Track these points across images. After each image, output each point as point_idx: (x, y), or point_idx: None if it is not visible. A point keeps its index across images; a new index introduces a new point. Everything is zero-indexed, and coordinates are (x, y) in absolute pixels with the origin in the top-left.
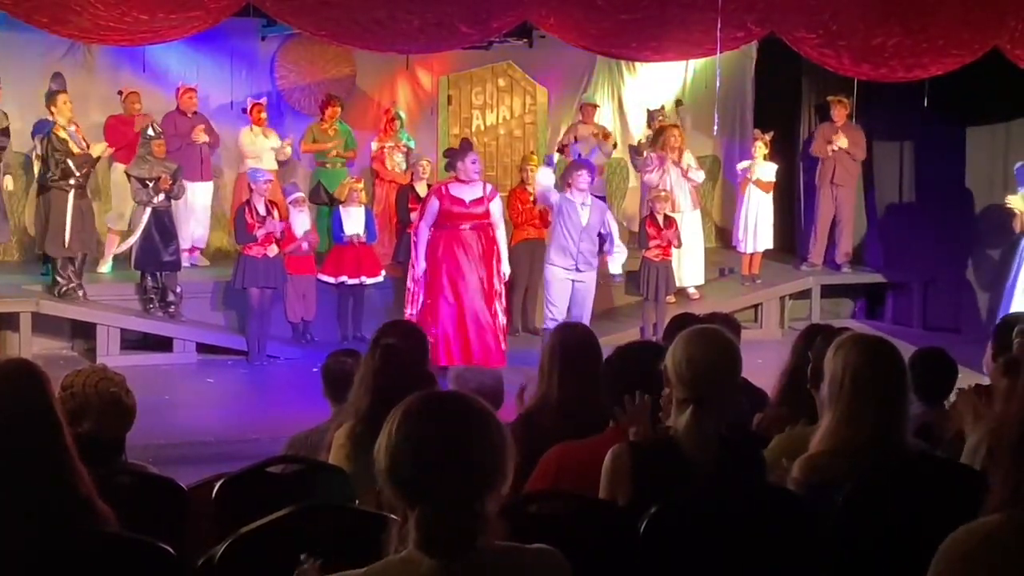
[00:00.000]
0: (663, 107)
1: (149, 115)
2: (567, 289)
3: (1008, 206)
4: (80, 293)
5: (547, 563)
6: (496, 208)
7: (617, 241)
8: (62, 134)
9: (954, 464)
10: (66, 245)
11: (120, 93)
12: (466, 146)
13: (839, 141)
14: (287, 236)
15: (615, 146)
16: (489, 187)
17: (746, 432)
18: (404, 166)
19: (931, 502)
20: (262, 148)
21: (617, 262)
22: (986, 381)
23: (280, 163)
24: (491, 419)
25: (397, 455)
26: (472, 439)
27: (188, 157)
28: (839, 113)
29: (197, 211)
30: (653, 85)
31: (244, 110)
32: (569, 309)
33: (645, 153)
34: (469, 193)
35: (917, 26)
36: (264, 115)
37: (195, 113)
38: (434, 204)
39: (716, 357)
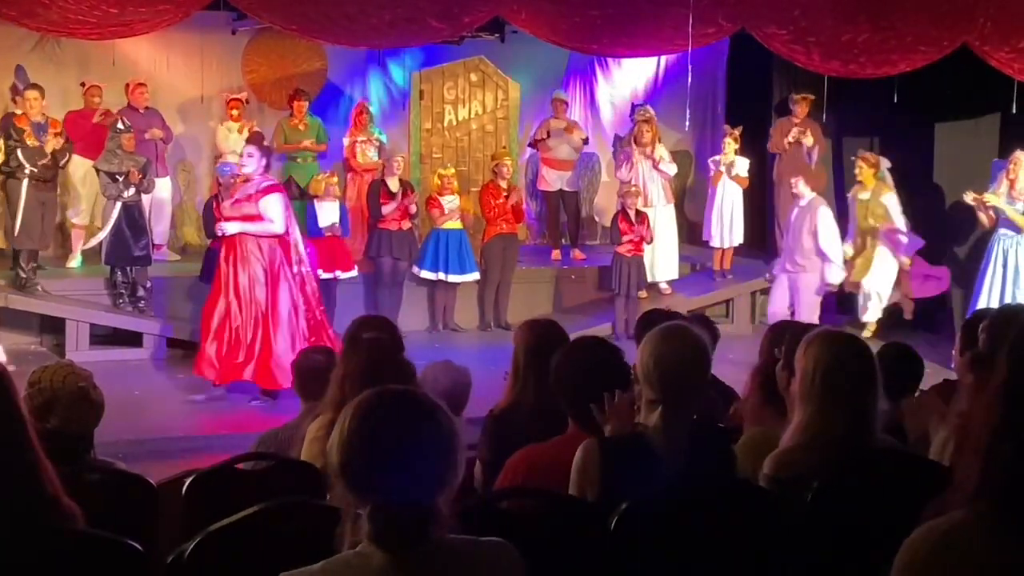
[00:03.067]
0: (645, 103)
1: (115, 111)
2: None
3: (987, 203)
4: (38, 287)
5: (500, 556)
6: (267, 205)
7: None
8: (21, 124)
9: (923, 459)
10: (15, 235)
11: (83, 85)
12: (253, 138)
13: (804, 138)
14: None
15: (585, 140)
16: (264, 183)
17: (716, 428)
18: (376, 157)
19: (900, 497)
20: (236, 143)
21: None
22: (955, 377)
23: None
24: (441, 415)
25: (349, 451)
26: (422, 435)
27: (143, 153)
28: (801, 110)
29: (154, 206)
30: (625, 80)
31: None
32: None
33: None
34: (240, 191)
35: (886, 23)
36: (236, 111)
37: (147, 108)
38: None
39: (684, 356)
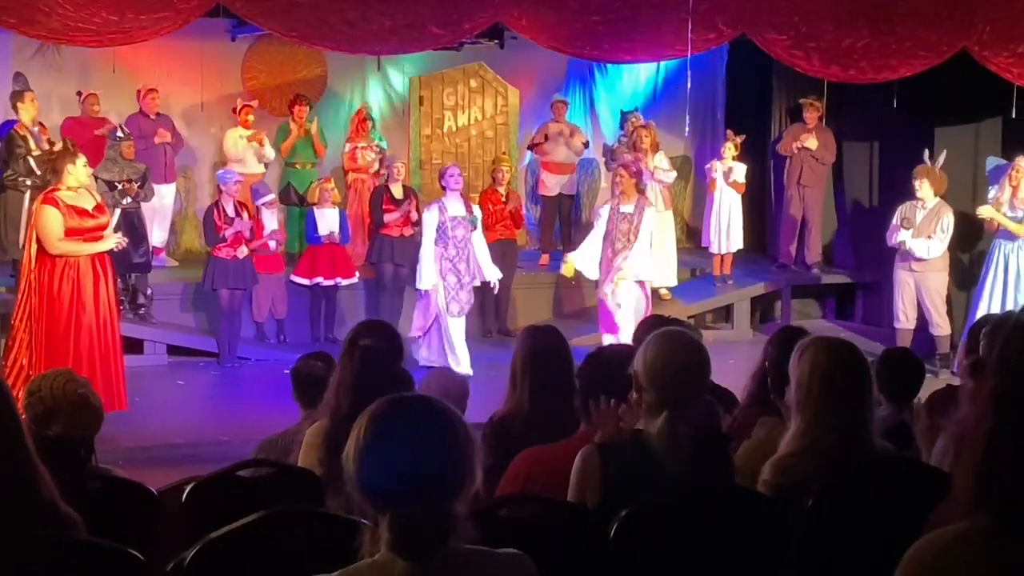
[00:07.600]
0: (636, 108)
1: (125, 118)
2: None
3: (980, 217)
4: None
5: (517, 567)
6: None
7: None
8: (23, 132)
9: (921, 465)
10: (20, 245)
11: (79, 94)
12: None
13: (807, 141)
14: (255, 234)
15: (585, 144)
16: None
17: (716, 434)
18: (376, 166)
19: (898, 503)
20: (245, 151)
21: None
22: (958, 382)
23: (264, 164)
24: (456, 420)
25: (365, 461)
26: (438, 442)
27: (152, 159)
28: (811, 116)
29: (159, 213)
30: (625, 86)
31: (234, 110)
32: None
33: (619, 155)
34: (86, 201)
35: (886, 28)
36: (251, 118)
37: (158, 114)
38: (56, 216)
39: (687, 359)
